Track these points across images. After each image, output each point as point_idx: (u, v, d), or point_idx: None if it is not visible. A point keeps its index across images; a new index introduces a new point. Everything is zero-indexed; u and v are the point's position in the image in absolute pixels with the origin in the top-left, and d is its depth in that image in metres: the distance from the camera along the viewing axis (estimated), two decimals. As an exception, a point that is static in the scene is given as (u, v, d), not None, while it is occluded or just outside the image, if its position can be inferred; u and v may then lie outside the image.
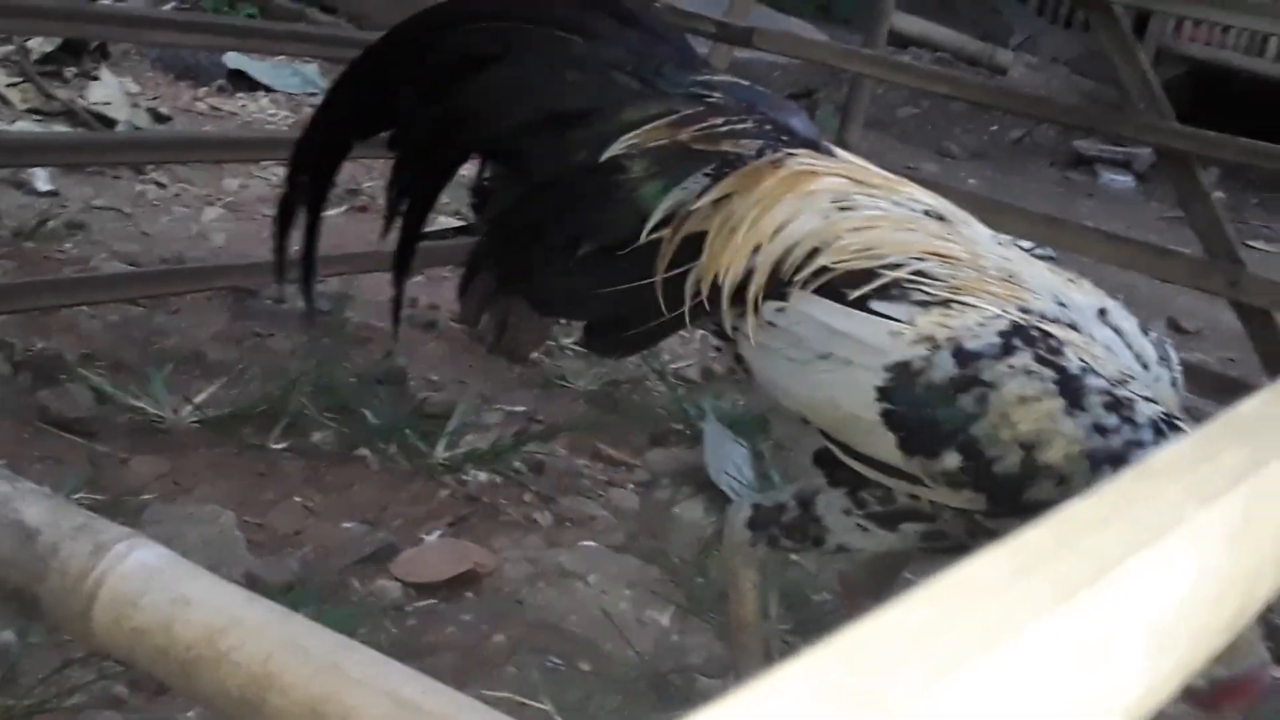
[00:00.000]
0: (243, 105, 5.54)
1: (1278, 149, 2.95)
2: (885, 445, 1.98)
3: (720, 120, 2.20)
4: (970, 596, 0.42)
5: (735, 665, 2.41)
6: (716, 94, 2.24)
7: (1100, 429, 1.87)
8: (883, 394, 1.96)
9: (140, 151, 3.48)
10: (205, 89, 5.58)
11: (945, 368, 1.92)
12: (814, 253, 2.07)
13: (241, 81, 5.65)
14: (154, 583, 1.47)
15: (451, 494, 3.02)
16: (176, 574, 1.50)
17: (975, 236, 2.13)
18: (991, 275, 2.02)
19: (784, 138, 2.22)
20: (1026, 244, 2.23)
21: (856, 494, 2.09)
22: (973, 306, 1.96)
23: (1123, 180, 8.13)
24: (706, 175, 2.17)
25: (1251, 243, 7.34)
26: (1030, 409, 1.88)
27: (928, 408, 1.93)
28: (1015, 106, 3.24)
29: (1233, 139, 3.03)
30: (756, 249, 2.11)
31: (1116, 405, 1.88)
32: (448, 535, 2.86)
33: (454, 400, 3.36)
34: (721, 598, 2.74)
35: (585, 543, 2.94)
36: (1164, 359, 2.10)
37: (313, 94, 5.77)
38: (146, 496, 2.75)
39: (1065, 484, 1.87)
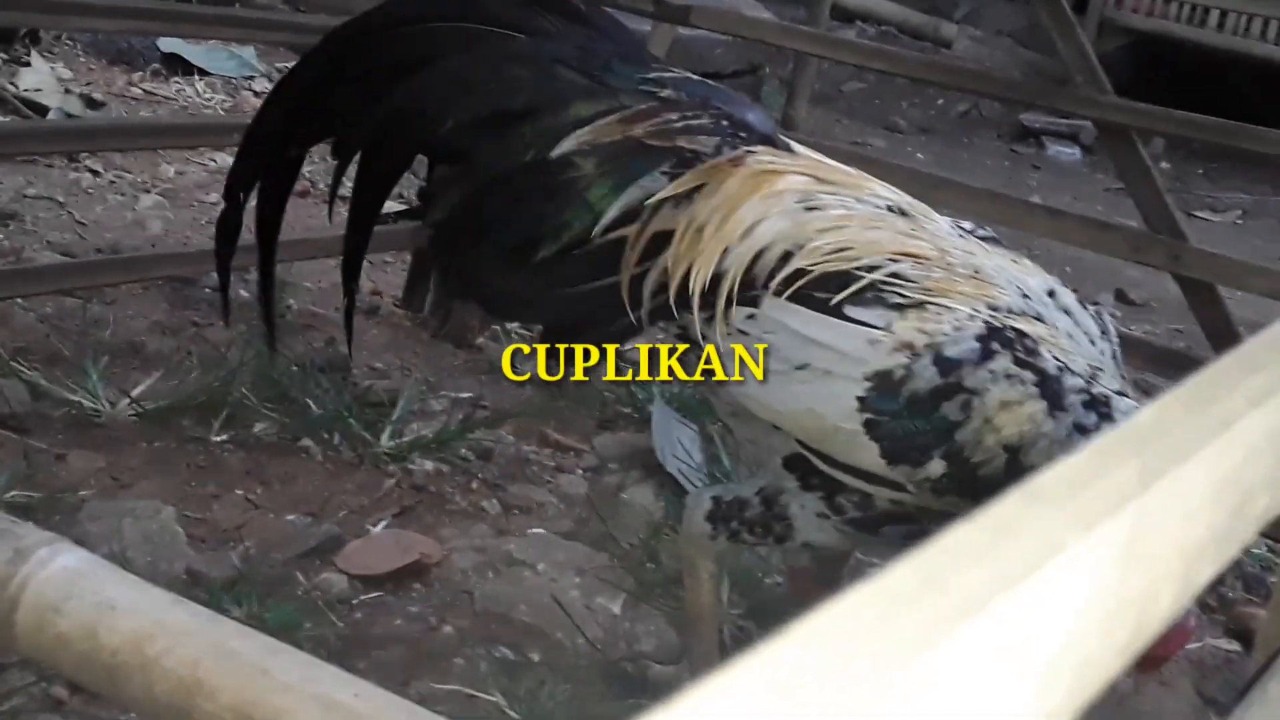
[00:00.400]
0: (179, 90, 5.45)
1: (1216, 121, 2.95)
2: (867, 454, 1.96)
3: (675, 116, 2.16)
4: (830, 645, 0.39)
5: (689, 653, 2.40)
6: (668, 90, 2.20)
7: (1081, 428, 1.88)
8: (864, 404, 1.94)
9: (74, 140, 3.41)
10: (140, 74, 5.49)
11: (928, 376, 1.91)
12: (786, 256, 2.03)
13: (177, 65, 5.57)
14: (78, 588, 1.43)
15: (397, 483, 2.98)
16: (101, 578, 1.46)
17: (938, 230, 2.12)
18: (960, 273, 2.02)
19: (741, 134, 2.18)
20: (967, 224, 2.21)
21: (833, 500, 2.07)
22: (947, 309, 1.95)
23: (1069, 153, 8.16)
24: (664, 173, 2.13)
25: (1197, 213, 7.39)
26: (1014, 413, 1.89)
27: (911, 416, 1.92)
28: (955, 82, 3.22)
29: (1170, 112, 3.03)
30: (725, 251, 2.07)
31: (1094, 403, 1.90)
32: (394, 526, 2.83)
33: (398, 388, 3.32)
34: (672, 583, 2.73)
35: (534, 530, 2.91)
36: (1104, 333, 2.10)
37: (250, 77, 5.70)
38: (84, 493, 2.70)
39: None
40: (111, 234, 3.97)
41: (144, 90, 5.36)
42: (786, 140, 2.24)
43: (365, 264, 4.04)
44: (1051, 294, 2.08)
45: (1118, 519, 0.48)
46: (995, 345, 1.91)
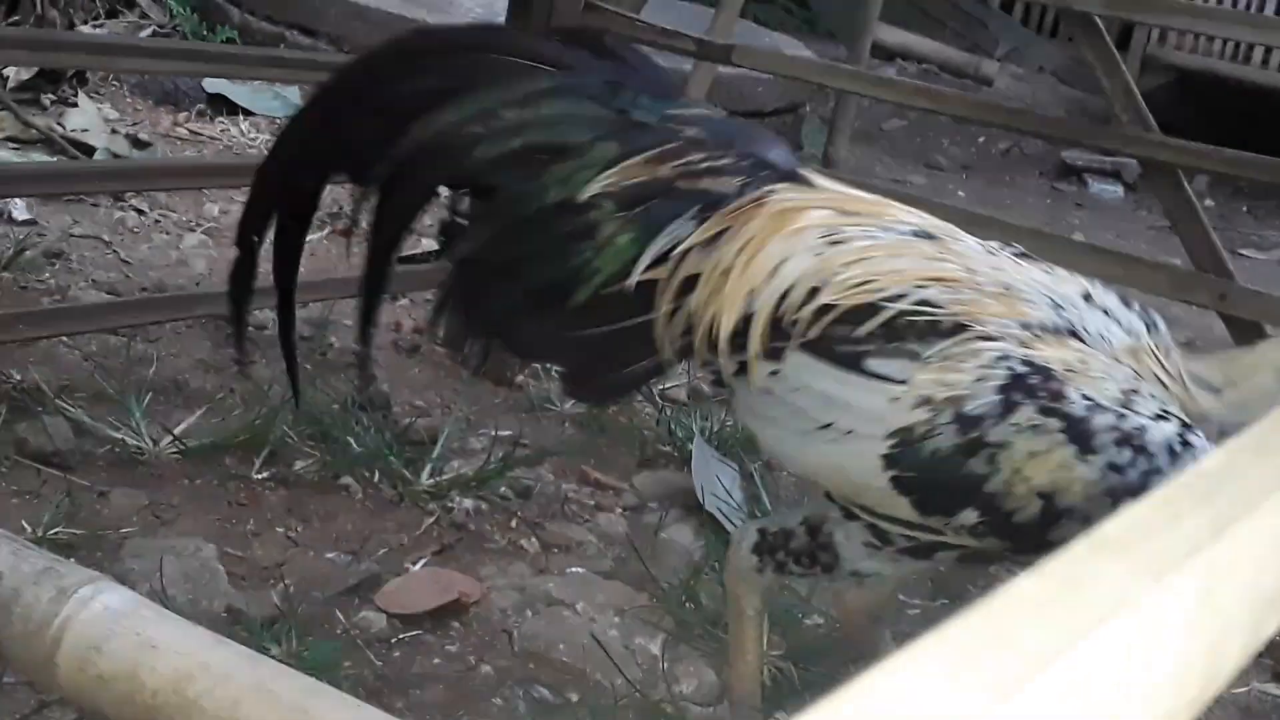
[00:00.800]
0: (223, 130, 5.50)
1: (1263, 159, 2.92)
2: (900, 506, 1.97)
3: (700, 156, 2.15)
4: (898, 702, 0.38)
5: (732, 692, 2.38)
6: (693, 127, 2.19)
7: (1115, 467, 1.86)
8: (890, 461, 1.93)
9: (120, 180, 3.45)
10: (185, 114, 5.54)
11: (949, 435, 1.90)
12: (813, 292, 2.01)
13: (222, 105, 5.62)
14: (119, 627, 1.43)
15: (436, 521, 2.98)
16: (143, 618, 1.46)
17: (966, 250, 2.09)
18: (989, 291, 1.99)
19: (764, 172, 2.17)
20: (995, 242, 2.19)
21: (879, 530, 2.05)
22: (971, 352, 1.92)
23: (1112, 190, 8.11)
24: (691, 219, 2.12)
25: (1242, 250, 7.32)
26: (1043, 461, 1.87)
27: (938, 472, 1.91)
28: (998, 120, 3.21)
29: (1218, 150, 3.01)
30: (751, 293, 2.06)
31: (1127, 439, 1.86)
32: (433, 564, 2.82)
33: (439, 426, 3.32)
34: (711, 624, 2.71)
35: (573, 569, 2.90)
36: (1152, 327, 2.05)
37: (295, 117, 5.74)
38: (126, 530, 2.71)
39: (1089, 519, 1.83)
40: (156, 272, 3.99)
41: (189, 130, 5.41)
42: (808, 175, 2.22)
43: (406, 302, 4.09)
44: (1088, 297, 2.04)
45: (1188, 569, 0.46)
46: (1018, 396, 1.89)
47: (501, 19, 3.71)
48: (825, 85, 4.29)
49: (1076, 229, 7.11)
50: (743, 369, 2.07)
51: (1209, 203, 7.92)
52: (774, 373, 2.03)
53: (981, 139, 8.47)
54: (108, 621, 1.44)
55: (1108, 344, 1.98)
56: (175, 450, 2.99)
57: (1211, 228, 3.09)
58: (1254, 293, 2.96)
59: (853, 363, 1.96)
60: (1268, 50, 8.82)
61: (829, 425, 1.99)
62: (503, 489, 3.15)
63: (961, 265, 2.03)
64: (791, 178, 2.17)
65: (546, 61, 2.22)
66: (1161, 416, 1.89)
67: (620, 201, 2.13)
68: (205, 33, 6.59)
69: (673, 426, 3.54)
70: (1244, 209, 8.20)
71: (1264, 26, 3.73)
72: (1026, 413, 1.88)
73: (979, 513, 1.91)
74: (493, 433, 3.38)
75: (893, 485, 1.94)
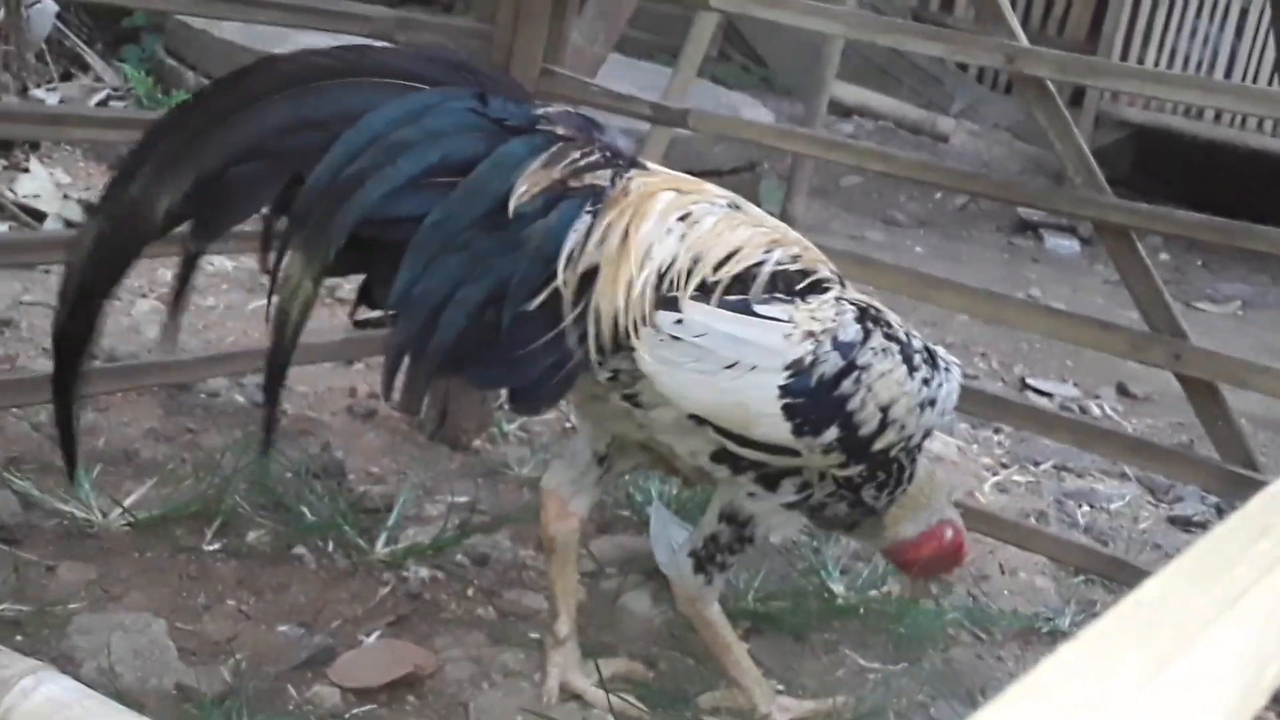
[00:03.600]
0: (179, 194, 5.46)
1: (1215, 221, 2.94)
2: (780, 432, 2.29)
3: (578, 154, 2.26)
4: None
5: (734, 682, 2.63)
6: (560, 125, 2.28)
7: (925, 381, 2.37)
8: (784, 390, 2.27)
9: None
10: (141, 178, 5.50)
11: (832, 361, 2.28)
12: (691, 268, 2.27)
13: (178, 170, 5.58)
14: (61, 719, 1.40)
15: (391, 591, 2.94)
16: (85, 708, 1.43)
17: (762, 216, 2.45)
18: (799, 246, 2.40)
19: (620, 161, 2.33)
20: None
21: (769, 482, 2.41)
22: (819, 290, 2.33)
23: (1068, 245, 8.16)
24: (588, 213, 2.24)
25: (1197, 304, 7.38)
26: (888, 379, 2.32)
27: (819, 395, 2.28)
28: (952, 182, 3.22)
29: (1170, 212, 3.03)
30: (634, 275, 2.25)
31: (929, 358, 2.40)
32: (388, 635, 2.78)
33: (394, 493, 3.29)
34: (674, 693, 2.68)
35: (531, 637, 2.86)
36: None
37: (251, 180, 5.71)
38: (74, 605, 2.66)
39: (903, 429, 2.36)
40: (107, 340, 3.94)
41: (143, 194, 5.37)
42: (641, 159, 2.41)
43: (362, 367, 4.06)
44: None
45: (1258, 592, 0.45)
46: (869, 325, 2.34)
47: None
48: (781, 147, 4.30)
49: (1033, 284, 7.15)
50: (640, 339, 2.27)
51: (1164, 256, 8.00)
52: (679, 321, 2.25)
53: (938, 195, 8.53)
54: (50, 713, 1.40)
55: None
56: (125, 522, 2.94)
57: (1165, 284, 3.10)
58: (1208, 353, 2.97)
59: (744, 309, 2.27)
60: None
61: (734, 364, 2.25)
62: (459, 557, 3.11)
63: (772, 228, 2.40)
64: (635, 162, 2.36)
65: (413, 78, 2.21)
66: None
67: (533, 206, 2.19)
68: (160, 95, 6.57)
69: (630, 490, 3.52)
70: (1199, 262, 8.27)
71: (1214, 90, 3.77)
72: (877, 339, 2.32)
73: (839, 429, 2.30)
74: (449, 499, 3.35)
75: (783, 411, 2.27)
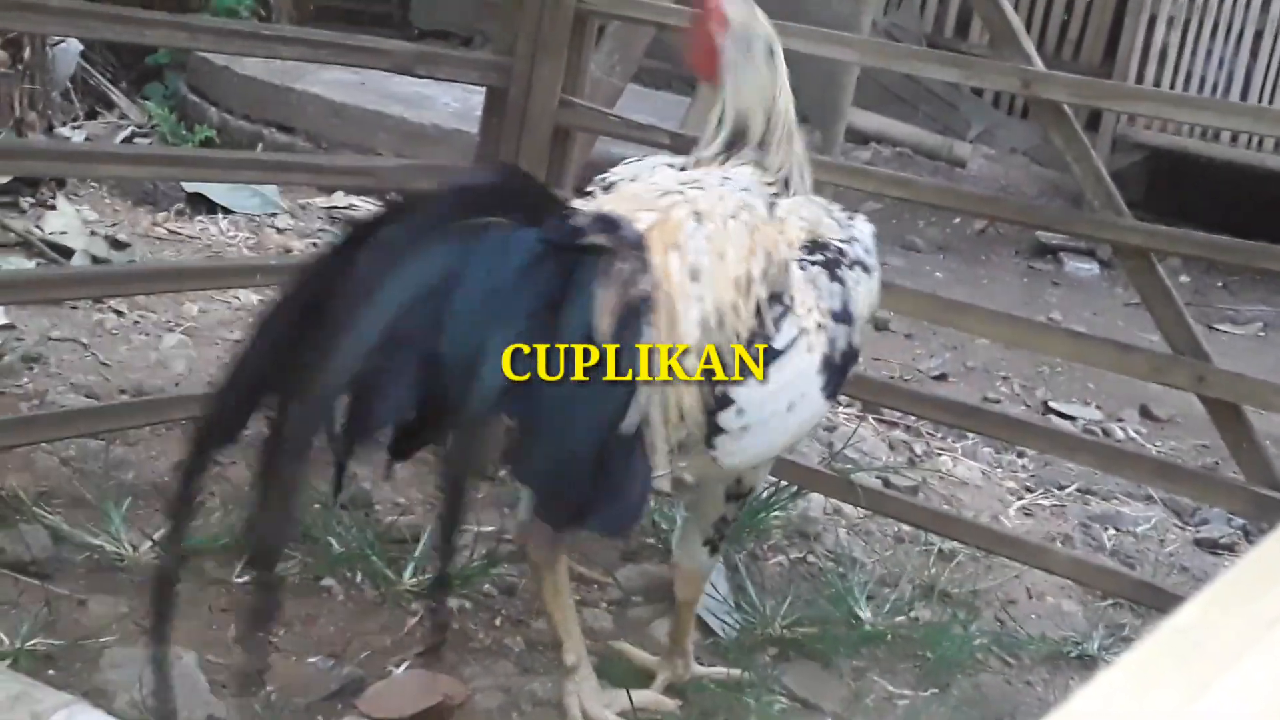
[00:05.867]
0: (202, 228, 5.51)
1: (1235, 243, 2.95)
2: (817, 409, 2.46)
3: (623, 266, 2.17)
4: None
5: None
6: (597, 233, 2.18)
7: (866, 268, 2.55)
8: (824, 385, 2.40)
9: (98, 285, 3.44)
10: (164, 213, 5.56)
11: (841, 331, 2.41)
12: (724, 345, 2.28)
13: (200, 204, 5.64)
14: (97, 751, 1.41)
15: (420, 621, 2.95)
16: (120, 740, 1.44)
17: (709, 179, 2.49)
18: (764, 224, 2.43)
19: (635, 250, 2.22)
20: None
21: None
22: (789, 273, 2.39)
23: (1087, 268, 8.16)
24: (647, 326, 2.17)
25: (1218, 326, 7.36)
26: (866, 293, 2.53)
27: (844, 360, 2.42)
28: (972, 207, 3.24)
29: (1189, 234, 3.03)
30: (691, 382, 2.26)
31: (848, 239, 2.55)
32: (416, 665, 2.79)
33: (421, 523, 3.31)
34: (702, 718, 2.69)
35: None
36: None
37: (273, 214, 5.76)
38: (106, 639, 2.67)
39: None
40: (135, 374, 3.99)
41: (168, 230, 5.43)
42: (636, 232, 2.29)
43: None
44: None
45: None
46: (838, 270, 2.47)
47: (477, 114, 3.75)
48: (800, 174, 4.32)
49: (1054, 307, 7.14)
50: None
51: (1184, 278, 7.98)
52: (740, 412, 2.29)
53: (957, 220, 8.53)
54: (84, 746, 1.42)
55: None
56: (155, 556, 2.96)
57: (1186, 307, 3.10)
58: (1232, 375, 2.97)
59: (774, 356, 2.32)
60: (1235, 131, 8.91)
61: (791, 407, 2.36)
62: (486, 586, 3.13)
63: (747, 228, 2.40)
64: (638, 244, 2.24)
65: (499, 213, 2.11)
66: None
67: (611, 338, 2.12)
68: (184, 132, 6.64)
69: (656, 518, 3.53)
70: (1219, 284, 8.25)
71: (1231, 112, 3.77)
72: (849, 274, 2.47)
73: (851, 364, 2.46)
74: (476, 528, 3.36)
75: (822, 395, 2.41)
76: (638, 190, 2.49)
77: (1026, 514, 4.25)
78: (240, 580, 2.96)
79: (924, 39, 10.71)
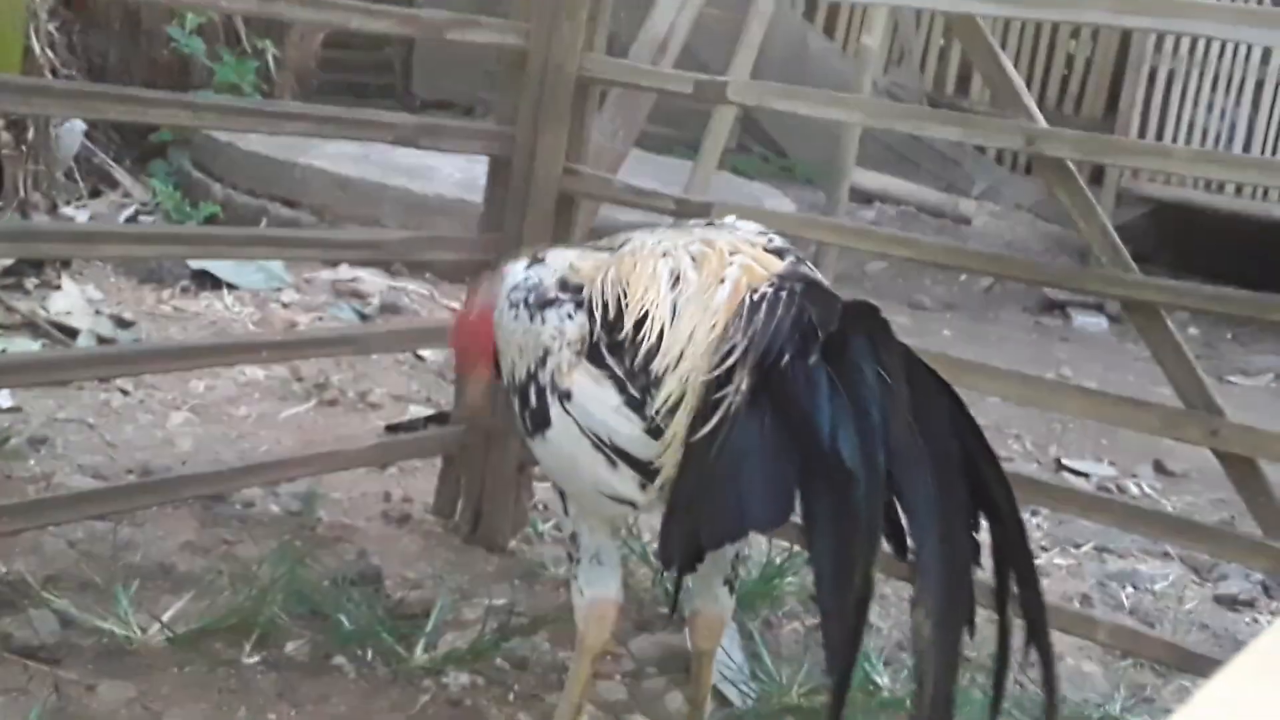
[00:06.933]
0: (208, 305, 5.52)
1: (1243, 295, 2.93)
2: None
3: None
4: None
5: None
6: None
7: None
8: None
9: (105, 366, 3.43)
10: (169, 290, 5.56)
11: None
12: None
13: (206, 280, 5.65)
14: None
15: (432, 698, 2.92)
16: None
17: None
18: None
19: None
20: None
21: None
22: None
23: (1096, 322, 8.13)
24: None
25: (1230, 378, 7.32)
26: None
27: None
28: (978, 266, 3.23)
29: (1198, 287, 3.01)
30: None
31: None
32: (429, 744, 2.76)
33: (431, 598, 3.27)
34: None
35: (573, 741, 2.82)
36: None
37: (278, 289, 5.77)
38: (115, 724, 2.65)
39: None
40: (142, 453, 3.97)
41: (173, 307, 5.43)
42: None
43: (395, 471, 4.06)
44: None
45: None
46: None
47: (481, 183, 3.75)
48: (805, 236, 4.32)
49: (1063, 363, 7.11)
50: None
51: (1193, 330, 7.95)
52: None
53: (963, 277, 8.52)
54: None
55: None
56: (164, 637, 2.94)
57: (1197, 359, 3.08)
58: (1246, 428, 2.94)
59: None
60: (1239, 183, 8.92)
61: None
62: (498, 661, 3.09)
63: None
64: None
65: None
66: None
67: None
68: (188, 208, 6.66)
69: (669, 587, 3.49)
70: (1229, 336, 8.23)
71: (1236, 164, 3.78)
72: None
73: None
74: (487, 602, 3.33)
75: None
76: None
77: (1043, 574, 4.20)
78: (249, 660, 2.93)
79: (925, 97, 10.76)
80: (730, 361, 2.15)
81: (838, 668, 2.06)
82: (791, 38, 10.22)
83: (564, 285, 2.51)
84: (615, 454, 2.32)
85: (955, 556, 2.05)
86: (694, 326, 2.28)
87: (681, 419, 2.21)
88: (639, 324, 2.34)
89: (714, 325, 2.25)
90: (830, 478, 2.03)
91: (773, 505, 2.10)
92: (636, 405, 2.31)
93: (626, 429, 2.31)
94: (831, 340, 2.11)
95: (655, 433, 2.27)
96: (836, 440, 2.03)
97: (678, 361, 2.26)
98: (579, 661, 2.62)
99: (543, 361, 2.45)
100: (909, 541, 2.08)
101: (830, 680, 2.10)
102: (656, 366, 2.29)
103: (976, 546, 2.11)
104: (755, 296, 2.23)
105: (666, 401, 2.25)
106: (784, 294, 2.21)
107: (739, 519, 2.15)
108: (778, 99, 3.36)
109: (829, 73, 9.71)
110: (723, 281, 2.32)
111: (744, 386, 2.11)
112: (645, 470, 2.30)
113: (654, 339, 2.31)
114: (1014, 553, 2.15)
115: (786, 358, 2.11)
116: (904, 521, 2.08)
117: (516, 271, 2.61)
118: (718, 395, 2.13)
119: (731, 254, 2.36)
